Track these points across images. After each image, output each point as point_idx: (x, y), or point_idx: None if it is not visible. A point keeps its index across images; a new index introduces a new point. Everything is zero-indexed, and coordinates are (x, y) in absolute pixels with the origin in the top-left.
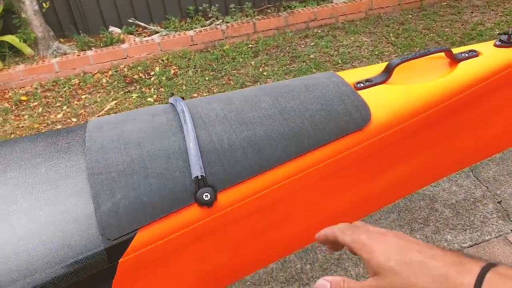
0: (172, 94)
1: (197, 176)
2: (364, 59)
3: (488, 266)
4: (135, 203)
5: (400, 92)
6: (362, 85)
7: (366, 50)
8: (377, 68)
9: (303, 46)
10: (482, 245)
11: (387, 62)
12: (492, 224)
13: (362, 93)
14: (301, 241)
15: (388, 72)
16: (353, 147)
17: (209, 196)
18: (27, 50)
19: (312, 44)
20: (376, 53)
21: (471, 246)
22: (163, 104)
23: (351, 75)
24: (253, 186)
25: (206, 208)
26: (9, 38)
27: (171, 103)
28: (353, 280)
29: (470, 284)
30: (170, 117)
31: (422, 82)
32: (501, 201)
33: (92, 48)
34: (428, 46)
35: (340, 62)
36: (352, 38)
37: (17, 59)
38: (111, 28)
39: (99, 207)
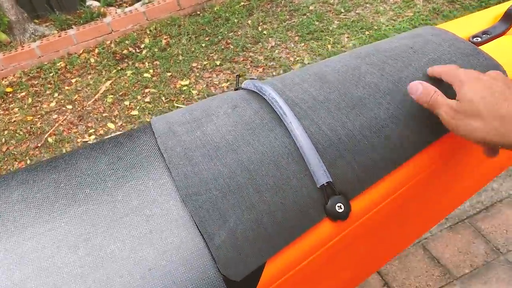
0: (239, 76)
1: (324, 183)
2: (367, 4)
3: None
4: (255, 227)
5: None
6: (479, 39)
7: None
8: (482, 16)
9: None
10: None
11: (495, 7)
12: None
13: (484, 50)
14: (418, 234)
15: (508, 20)
16: None
17: (342, 206)
18: (2, 36)
19: None
20: None
21: None
22: (235, 91)
23: (453, 28)
24: (388, 185)
25: (340, 222)
26: None
27: (245, 89)
28: (442, 94)
29: None
30: (255, 107)
31: None
32: None
33: (73, 27)
34: None
35: (343, 10)
36: None
37: None
38: (89, 2)
39: (211, 239)
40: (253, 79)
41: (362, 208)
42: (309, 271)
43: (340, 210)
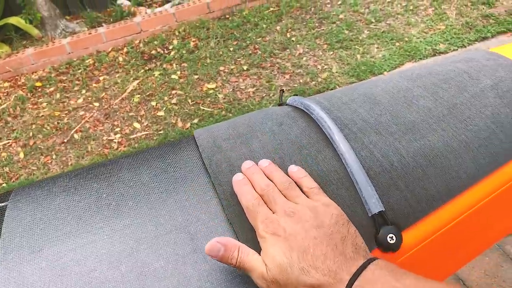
0: (283, 91)
1: (376, 212)
2: (398, 16)
3: (359, 271)
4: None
5: None
6: None
7: (399, 5)
8: None
9: (329, 5)
10: None
11: None
12: None
13: None
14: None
15: None
16: None
17: (394, 238)
18: (34, 31)
19: (339, 2)
20: (411, 7)
21: None
22: (281, 107)
23: (509, 53)
24: (441, 217)
25: (391, 254)
26: (14, 20)
27: (290, 105)
28: (248, 250)
29: None
30: (301, 125)
31: None
32: None
33: (103, 25)
34: None
35: (373, 20)
36: None
37: (24, 42)
38: (120, 1)
39: None
40: (296, 95)
41: (414, 239)
42: None
43: (392, 241)
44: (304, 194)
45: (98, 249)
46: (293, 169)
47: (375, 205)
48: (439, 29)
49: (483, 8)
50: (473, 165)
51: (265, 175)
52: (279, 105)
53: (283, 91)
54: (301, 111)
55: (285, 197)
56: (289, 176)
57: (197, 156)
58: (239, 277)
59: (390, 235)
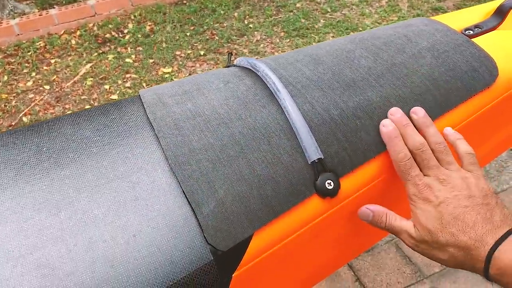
0: (231, 54)
1: (315, 159)
2: (353, 6)
3: (504, 236)
4: (245, 200)
5: None
6: (471, 32)
7: None
8: (475, 11)
9: None
10: (501, 194)
11: (489, 3)
12: (509, 173)
13: (477, 42)
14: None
15: (501, 15)
16: (481, 108)
17: (332, 183)
18: None
19: None
20: None
21: None
22: (228, 68)
23: (447, 21)
24: (377, 167)
25: (328, 199)
26: None
27: (237, 66)
28: (395, 216)
29: (483, 257)
30: (248, 83)
31: None
32: None
33: (55, 6)
34: None
35: (329, 10)
36: None
37: None
38: None
39: (199, 208)
40: (244, 56)
41: (351, 187)
42: (295, 246)
43: (330, 187)
44: (458, 159)
45: (36, 198)
46: (449, 131)
47: (314, 153)
48: (392, 20)
49: (433, 2)
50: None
51: (417, 128)
52: (227, 67)
53: (231, 54)
54: (248, 70)
55: (437, 159)
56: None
57: (142, 112)
58: (182, 220)
59: (328, 181)
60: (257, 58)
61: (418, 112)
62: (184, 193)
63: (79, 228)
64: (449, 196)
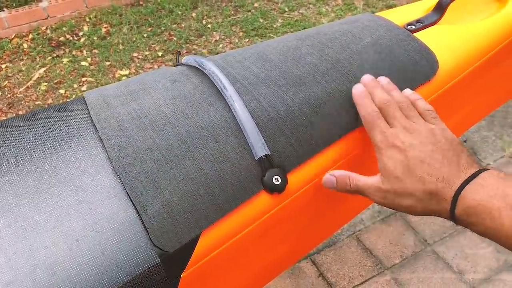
0: (179, 53)
1: (262, 156)
2: (310, 5)
3: (471, 177)
4: (191, 199)
5: (461, 33)
6: (413, 27)
7: None
8: (417, 7)
9: None
10: None
11: (427, 0)
12: None
13: (418, 37)
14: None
15: (440, 11)
16: (425, 99)
17: (279, 179)
18: None
19: None
20: None
21: None
22: (176, 66)
23: (390, 16)
24: (325, 160)
25: (276, 195)
26: None
27: (185, 64)
28: (358, 176)
29: (450, 197)
30: (195, 82)
31: (476, 20)
32: (466, 140)
33: (4, 9)
34: None
35: (287, 9)
36: None
37: None
38: None
39: (144, 209)
40: (191, 55)
41: (299, 182)
42: (245, 243)
43: (277, 183)
44: (421, 116)
45: None
46: (408, 91)
47: (261, 149)
48: None
49: None
50: (352, 113)
51: None
52: (175, 65)
53: (180, 53)
54: (196, 69)
55: None
56: None
57: (86, 114)
58: (127, 222)
59: (276, 176)
60: (206, 56)
61: (382, 80)
62: (129, 195)
63: (19, 236)
64: (415, 142)
